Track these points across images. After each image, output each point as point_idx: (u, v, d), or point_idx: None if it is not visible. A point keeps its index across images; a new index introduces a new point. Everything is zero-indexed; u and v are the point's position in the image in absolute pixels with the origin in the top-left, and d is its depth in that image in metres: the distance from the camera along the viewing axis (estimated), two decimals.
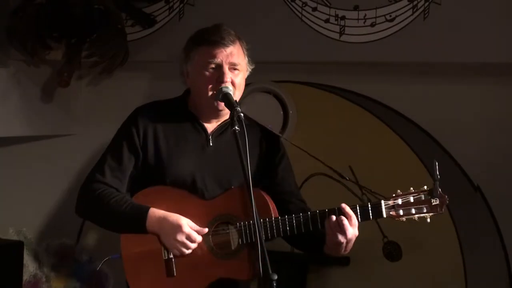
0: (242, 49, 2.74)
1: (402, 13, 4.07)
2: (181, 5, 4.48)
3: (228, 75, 2.67)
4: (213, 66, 2.68)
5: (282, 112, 4.56)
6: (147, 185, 2.71)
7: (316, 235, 2.66)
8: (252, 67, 2.79)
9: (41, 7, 4.48)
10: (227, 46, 2.69)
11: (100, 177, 2.70)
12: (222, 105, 2.67)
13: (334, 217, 2.58)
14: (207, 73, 2.69)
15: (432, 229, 4.24)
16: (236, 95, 2.70)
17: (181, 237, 2.60)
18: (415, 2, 4.04)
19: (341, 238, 2.57)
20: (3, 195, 4.94)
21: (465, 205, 4.23)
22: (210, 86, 2.68)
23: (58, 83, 4.66)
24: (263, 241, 2.38)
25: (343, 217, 2.57)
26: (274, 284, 2.29)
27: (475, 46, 3.94)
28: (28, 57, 4.57)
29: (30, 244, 4.87)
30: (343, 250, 2.62)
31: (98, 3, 4.48)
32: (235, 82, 2.69)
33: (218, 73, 2.68)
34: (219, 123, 2.77)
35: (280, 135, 2.89)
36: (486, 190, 4.20)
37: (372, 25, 4.13)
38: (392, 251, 4.33)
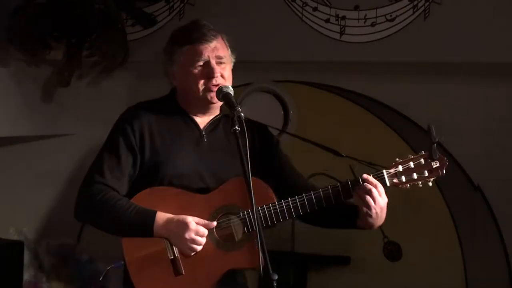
0: (224, 42, 2.75)
1: (403, 13, 4.08)
2: (182, 5, 4.49)
3: (217, 70, 2.68)
4: (200, 63, 2.69)
5: (282, 112, 4.57)
6: (144, 186, 2.67)
7: (346, 209, 2.67)
8: (234, 58, 2.78)
9: (41, 7, 4.48)
10: (211, 41, 2.69)
11: (100, 178, 2.64)
12: (215, 98, 2.67)
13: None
14: (195, 71, 2.69)
15: (432, 229, 4.28)
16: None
17: (189, 234, 2.57)
18: (415, 2, 4.05)
19: (373, 206, 2.58)
20: (3, 195, 4.94)
21: (465, 205, 4.23)
22: (201, 82, 2.68)
23: (58, 82, 4.66)
24: (262, 233, 2.36)
25: (369, 186, 2.59)
26: (275, 284, 2.28)
27: (475, 46, 3.94)
28: (28, 57, 4.57)
29: (31, 244, 4.86)
30: (377, 221, 2.62)
31: (98, 2, 4.49)
32: (224, 75, 2.70)
33: (207, 69, 2.68)
34: (210, 118, 2.77)
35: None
36: (486, 190, 4.20)
37: (373, 25, 4.13)
38: (393, 251, 4.33)
